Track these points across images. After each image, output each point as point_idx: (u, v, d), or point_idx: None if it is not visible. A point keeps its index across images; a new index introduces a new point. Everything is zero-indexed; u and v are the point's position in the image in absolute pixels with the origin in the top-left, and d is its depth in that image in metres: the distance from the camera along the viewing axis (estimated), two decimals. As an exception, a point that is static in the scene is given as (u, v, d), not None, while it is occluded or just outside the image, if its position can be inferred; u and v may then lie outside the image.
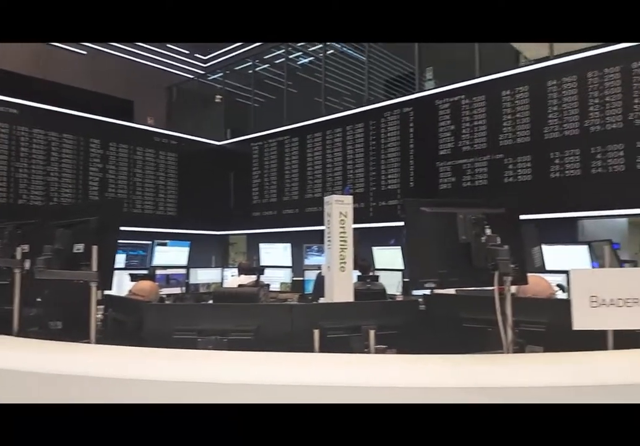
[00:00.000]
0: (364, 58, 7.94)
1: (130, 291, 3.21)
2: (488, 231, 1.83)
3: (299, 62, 9.59)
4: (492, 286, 1.74)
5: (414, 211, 1.79)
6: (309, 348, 1.78)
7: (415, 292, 2.86)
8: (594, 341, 1.81)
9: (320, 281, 4.63)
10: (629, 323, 1.73)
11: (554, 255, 5.08)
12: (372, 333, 1.78)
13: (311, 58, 9.30)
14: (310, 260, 6.91)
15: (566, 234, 5.87)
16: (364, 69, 7.83)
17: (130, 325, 2.15)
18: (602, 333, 1.79)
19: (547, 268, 4.97)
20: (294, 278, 6.21)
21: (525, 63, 6.61)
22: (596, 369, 1.45)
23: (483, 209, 1.83)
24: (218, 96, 10.13)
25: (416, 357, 1.50)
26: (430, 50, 7.27)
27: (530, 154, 5.62)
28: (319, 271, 5.24)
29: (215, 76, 10.83)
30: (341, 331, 1.98)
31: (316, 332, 1.74)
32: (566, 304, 1.73)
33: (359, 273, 5.13)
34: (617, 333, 1.80)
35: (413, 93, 7.04)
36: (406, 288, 5.21)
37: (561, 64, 5.54)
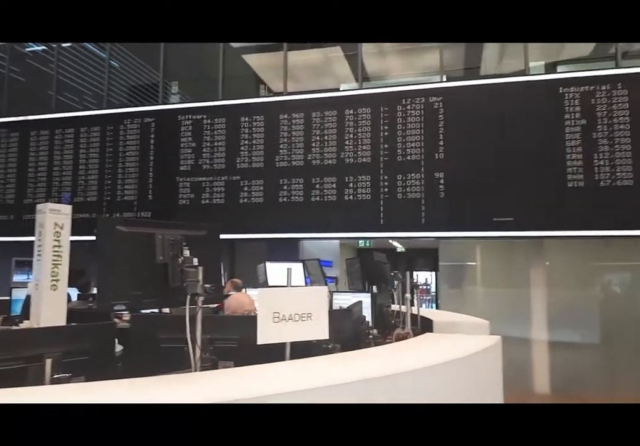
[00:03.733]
0: (105, 55, 7.42)
1: None
2: (187, 252, 1.88)
3: (28, 48, 8.38)
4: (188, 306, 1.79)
5: (108, 229, 1.71)
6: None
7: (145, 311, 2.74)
8: (277, 353, 2.02)
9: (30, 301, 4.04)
10: (304, 335, 2.00)
11: (277, 272, 5.58)
12: (48, 362, 1.61)
13: (43, 47, 8.23)
14: (23, 276, 6.00)
15: (290, 252, 6.53)
16: (105, 68, 7.32)
17: None
18: (283, 346, 2.02)
19: (270, 283, 5.43)
20: (-3, 297, 5.27)
21: (265, 95, 7.19)
22: (268, 380, 1.61)
23: (183, 231, 1.88)
24: None
25: (84, 385, 1.42)
26: (176, 64, 7.26)
27: (263, 178, 6.09)
28: (30, 289, 4.56)
29: None
30: (19, 361, 1.74)
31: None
32: (255, 320, 1.89)
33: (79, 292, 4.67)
34: (295, 345, 2.05)
35: (156, 104, 6.89)
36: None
37: (292, 101, 6.21)
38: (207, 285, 1.85)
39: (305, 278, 5.27)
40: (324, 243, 7.38)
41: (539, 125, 5.36)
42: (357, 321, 2.60)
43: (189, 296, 1.75)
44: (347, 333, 2.42)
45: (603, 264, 5.76)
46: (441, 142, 5.62)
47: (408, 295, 2.70)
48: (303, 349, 2.09)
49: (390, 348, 2.22)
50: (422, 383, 1.73)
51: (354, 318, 2.58)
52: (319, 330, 1.99)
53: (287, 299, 1.92)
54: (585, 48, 6.59)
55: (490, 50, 7.01)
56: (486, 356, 2.28)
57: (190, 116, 6.45)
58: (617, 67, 5.52)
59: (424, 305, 11.67)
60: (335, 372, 1.72)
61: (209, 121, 6.36)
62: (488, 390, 2.33)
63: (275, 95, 7.00)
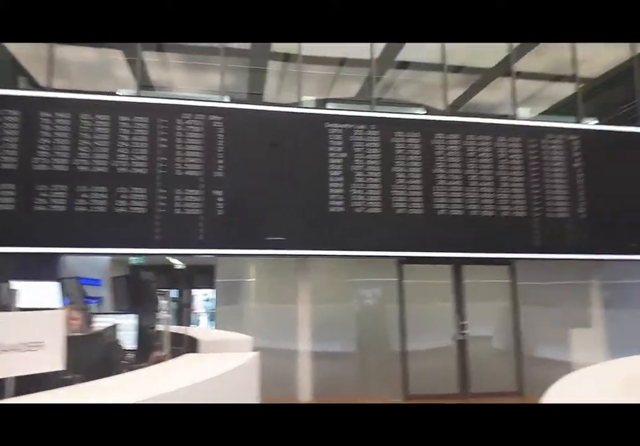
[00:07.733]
0: None
1: None
2: None
3: None
4: None
5: None
6: None
7: None
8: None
9: None
10: (32, 368, 1.75)
11: (28, 292, 4.84)
12: None
13: None
14: None
15: (48, 269, 5.76)
16: None
17: None
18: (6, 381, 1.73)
19: (18, 306, 4.68)
20: None
21: (25, 87, 6.30)
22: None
23: None
24: None
25: None
26: None
27: (15, 182, 5.25)
28: None
29: None
30: None
31: None
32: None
33: None
34: (25, 378, 1.79)
35: None
36: None
37: (57, 98, 5.54)
38: None
39: (62, 298, 4.70)
40: (92, 259, 6.72)
41: (308, 154, 5.87)
42: (109, 347, 2.40)
43: None
44: (93, 361, 2.22)
45: (358, 280, 6.55)
46: (220, 161, 5.69)
47: (167, 315, 2.61)
48: (36, 383, 1.84)
49: (136, 374, 2.10)
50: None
51: (105, 343, 2.37)
52: (52, 360, 1.77)
53: (9, 326, 1.66)
54: (350, 89, 7.52)
55: (272, 80, 7.46)
56: (239, 373, 2.34)
57: None
58: (371, 110, 6.43)
59: (204, 322, 11.51)
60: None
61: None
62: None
63: (39, 90, 6.18)
